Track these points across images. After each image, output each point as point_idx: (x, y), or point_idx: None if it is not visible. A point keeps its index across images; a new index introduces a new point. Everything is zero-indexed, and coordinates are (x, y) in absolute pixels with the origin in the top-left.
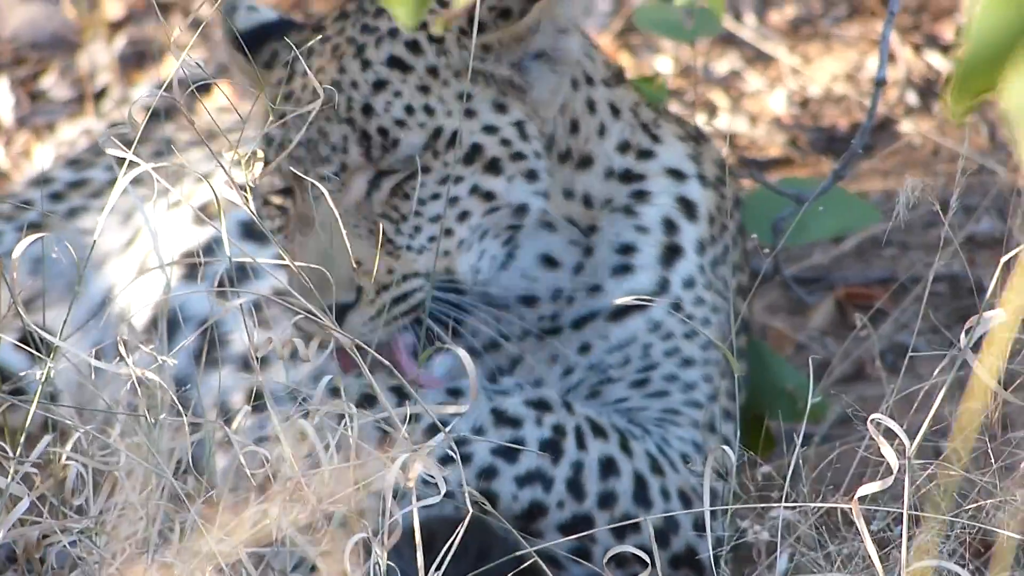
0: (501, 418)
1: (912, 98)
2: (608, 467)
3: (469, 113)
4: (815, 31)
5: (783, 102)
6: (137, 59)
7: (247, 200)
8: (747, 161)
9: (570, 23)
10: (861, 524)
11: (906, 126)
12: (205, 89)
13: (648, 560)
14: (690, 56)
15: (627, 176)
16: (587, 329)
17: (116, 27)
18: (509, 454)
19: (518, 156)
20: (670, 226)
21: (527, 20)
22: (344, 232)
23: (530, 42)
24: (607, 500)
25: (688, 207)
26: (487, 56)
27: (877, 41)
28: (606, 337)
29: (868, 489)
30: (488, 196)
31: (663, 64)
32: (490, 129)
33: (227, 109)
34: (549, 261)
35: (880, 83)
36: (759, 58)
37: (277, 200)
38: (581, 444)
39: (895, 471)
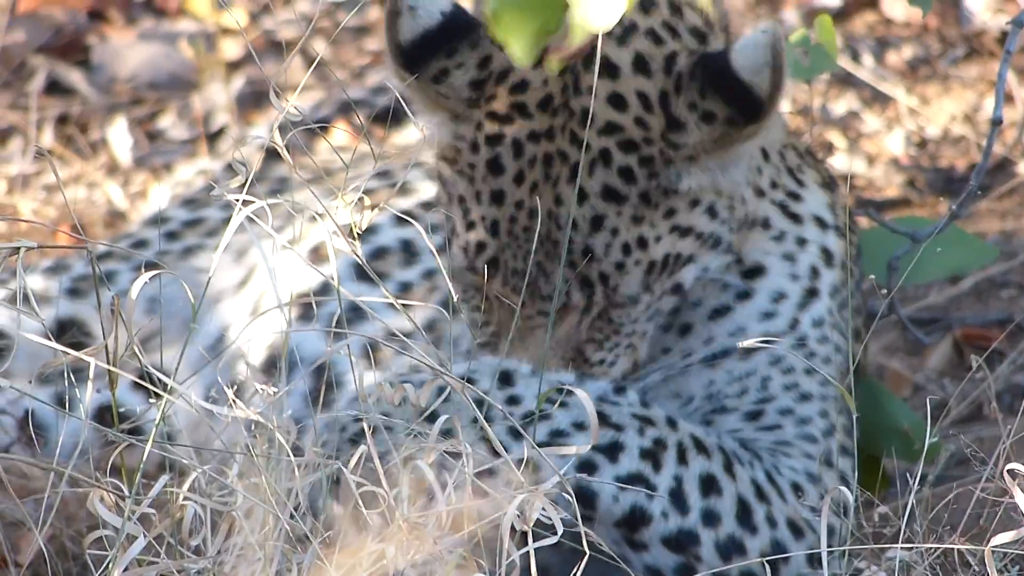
0: (604, 421)
1: None
2: (709, 485)
3: (673, 228)
4: (933, 72)
5: (901, 143)
6: (255, 99)
7: (355, 247)
8: (864, 201)
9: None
10: (992, 569)
11: (1023, 166)
12: (321, 129)
13: None
14: (807, 96)
15: (788, 213)
16: (719, 367)
17: (233, 67)
18: (610, 452)
19: (708, 237)
20: (815, 273)
21: (738, 148)
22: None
23: (736, 155)
24: (710, 518)
25: (828, 256)
26: (691, 168)
27: (994, 81)
28: (731, 372)
29: (1004, 538)
30: (677, 289)
31: (781, 105)
32: (687, 231)
33: (344, 149)
34: (697, 304)
35: (997, 123)
36: (877, 99)
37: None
38: (682, 459)
39: None
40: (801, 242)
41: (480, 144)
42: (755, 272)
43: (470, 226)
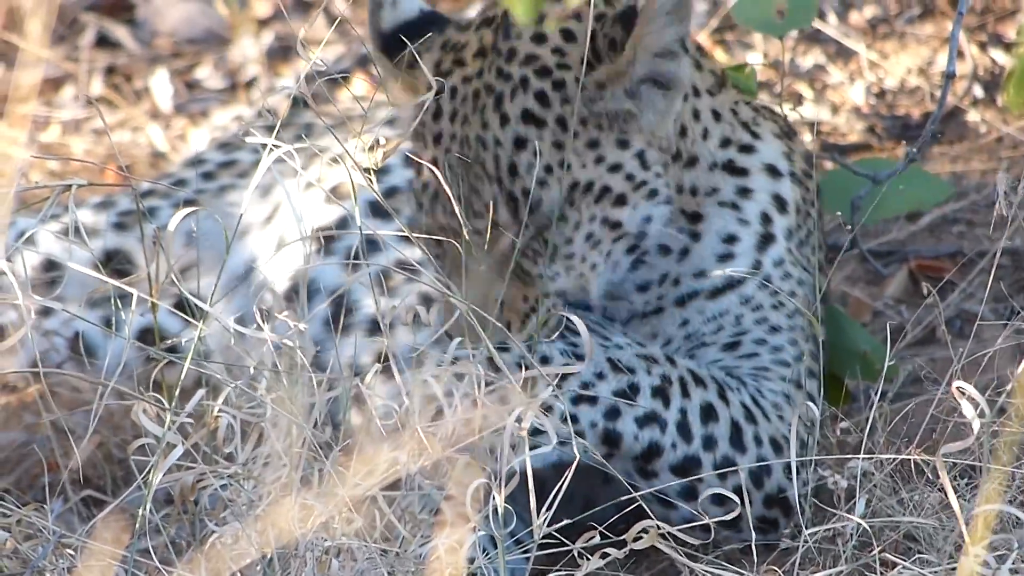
0: (617, 367)
1: (978, 90)
2: (708, 413)
3: (598, 159)
4: (891, 29)
5: (862, 93)
6: (283, 52)
7: (371, 182)
8: (829, 146)
9: (673, 46)
10: (944, 476)
11: (972, 115)
12: (342, 80)
13: (744, 500)
14: (779, 52)
15: (732, 168)
16: (689, 306)
17: (263, 24)
18: (628, 397)
19: (641, 185)
20: (766, 219)
21: (625, 54)
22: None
23: (632, 72)
24: (709, 443)
25: (780, 202)
26: (603, 93)
27: (947, 39)
28: (703, 312)
29: (952, 447)
30: (615, 226)
31: (754, 59)
32: (615, 168)
33: (363, 98)
34: (664, 249)
35: (950, 76)
36: (840, 54)
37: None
38: (685, 392)
39: (975, 432)
40: (744, 191)
41: (427, 101)
42: (695, 218)
43: (418, 171)
